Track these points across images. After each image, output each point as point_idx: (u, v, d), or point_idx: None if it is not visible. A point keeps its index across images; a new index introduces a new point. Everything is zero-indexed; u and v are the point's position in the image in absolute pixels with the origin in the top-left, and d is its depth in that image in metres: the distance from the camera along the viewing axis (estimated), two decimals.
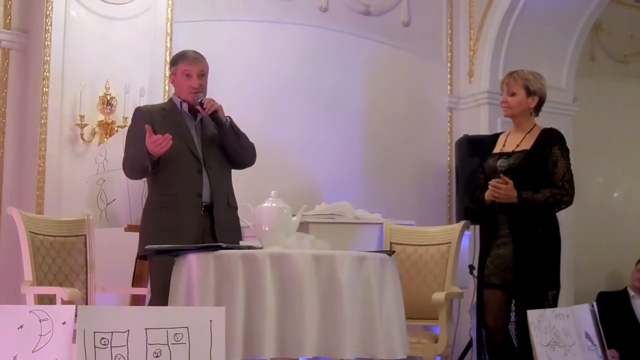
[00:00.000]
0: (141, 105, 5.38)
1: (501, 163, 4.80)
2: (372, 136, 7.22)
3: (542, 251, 4.75)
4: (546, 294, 4.73)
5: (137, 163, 4.61)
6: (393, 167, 7.28)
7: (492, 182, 4.76)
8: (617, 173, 8.70)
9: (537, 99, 4.91)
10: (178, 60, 4.77)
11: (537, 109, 4.95)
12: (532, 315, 4.19)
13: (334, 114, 7.04)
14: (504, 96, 4.93)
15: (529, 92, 4.88)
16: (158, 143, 4.43)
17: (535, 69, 7.25)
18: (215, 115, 4.68)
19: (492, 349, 4.90)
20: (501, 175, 4.74)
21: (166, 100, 4.90)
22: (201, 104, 4.68)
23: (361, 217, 5.97)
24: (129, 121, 5.77)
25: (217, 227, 4.62)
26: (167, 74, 4.86)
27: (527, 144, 4.85)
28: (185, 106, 4.75)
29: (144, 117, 4.68)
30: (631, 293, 7.31)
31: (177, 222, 4.52)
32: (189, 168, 4.63)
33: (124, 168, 4.70)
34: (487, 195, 4.81)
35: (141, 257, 4.74)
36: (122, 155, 4.85)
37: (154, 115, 4.70)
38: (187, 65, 4.72)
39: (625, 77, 8.66)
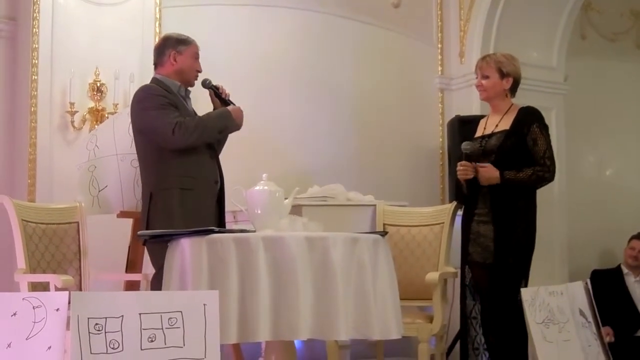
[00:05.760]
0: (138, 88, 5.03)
1: (465, 145, 4.87)
2: (363, 118, 7.20)
3: (519, 236, 4.80)
4: (519, 282, 4.76)
5: (221, 123, 4.64)
6: (385, 149, 7.27)
7: (461, 163, 4.87)
8: (608, 151, 8.70)
9: (512, 80, 4.96)
10: (187, 41, 4.75)
11: (513, 90, 5.01)
12: (526, 293, 4.21)
13: (324, 97, 7.02)
14: (478, 80, 5.02)
15: (503, 74, 4.95)
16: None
17: (526, 48, 7.37)
18: (230, 102, 4.80)
19: (486, 323, 4.93)
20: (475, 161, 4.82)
21: (149, 83, 4.77)
22: (216, 88, 4.81)
23: (354, 199, 5.97)
24: (120, 108, 5.79)
25: (222, 215, 4.73)
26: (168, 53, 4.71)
27: (506, 124, 4.91)
28: (182, 90, 4.74)
29: (163, 93, 4.59)
30: (625, 270, 7.33)
31: (199, 204, 4.54)
32: (204, 153, 4.65)
33: (180, 131, 4.43)
34: (458, 175, 4.91)
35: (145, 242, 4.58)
36: (114, 141, 4.84)
37: (167, 97, 4.61)
38: (197, 48, 4.78)
39: (616, 55, 8.64)
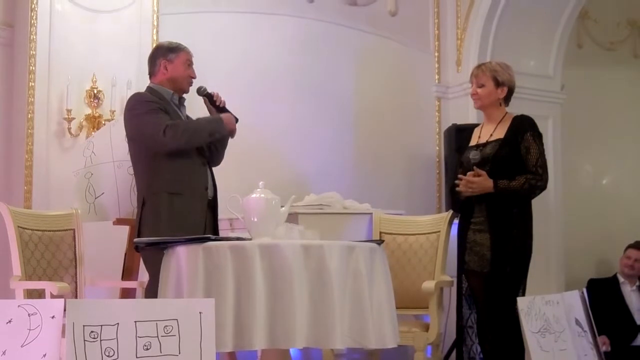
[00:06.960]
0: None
1: (474, 155, 4.86)
2: (360, 126, 7.21)
3: (516, 244, 4.79)
4: (516, 290, 4.75)
5: (211, 127, 4.62)
6: (382, 157, 7.28)
7: (466, 176, 4.81)
8: (605, 160, 8.71)
9: (506, 89, 4.97)
10: (177, 48, 4.75)
11: (507, 99, 5.01)
12: (522, 302, 4.20)
13: (321, 105, 7.02)
14: (473, 88, 5.02)
15: (498, 83, 4.94)
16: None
17: (523, 57, 7.39)
18: (226, 109, 4.78)
19: (483, 332, 4.92)
20: (474, 167, 4.78)
21: (144, 91, 4.80)
22: (209, 95, 4.78)
23: (350, 207, 5.96)
24: (116, 115, 5.79)
25: (216, 223, 4.73)
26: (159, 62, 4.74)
27: (500, 133, 4.90)
28: (176, 97, 4.73)
29: (153, 99, 4.61)
30: (621, 279, 7.32)
31: (187, 208, 4.53)
32: (194, 160, 4.63)
33: (170, 132, 4.45)
34: (462, 189, 4.85)
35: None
36: (110, 148, 4.83)
37: (158, 103, 4.63)
38: (189, 55, 4.77)
39: (612, 64, 8.66)
